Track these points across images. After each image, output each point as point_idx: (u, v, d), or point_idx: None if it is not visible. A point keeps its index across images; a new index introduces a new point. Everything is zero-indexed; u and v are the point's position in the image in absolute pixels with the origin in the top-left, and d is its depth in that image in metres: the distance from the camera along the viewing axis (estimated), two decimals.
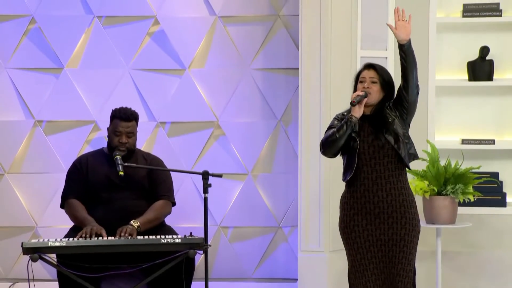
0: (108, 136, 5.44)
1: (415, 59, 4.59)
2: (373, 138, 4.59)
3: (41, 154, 6.59)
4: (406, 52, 4.56)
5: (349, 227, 4.61)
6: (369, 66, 4.68)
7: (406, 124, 4.66)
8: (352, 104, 4.54)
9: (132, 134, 5.35)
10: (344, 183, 4.72)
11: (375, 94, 4.62)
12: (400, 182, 4.59)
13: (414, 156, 4.64)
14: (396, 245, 4.53)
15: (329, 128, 4.67)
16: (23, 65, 6.59)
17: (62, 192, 5.42)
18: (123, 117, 5.34)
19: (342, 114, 4.69)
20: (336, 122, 4.66)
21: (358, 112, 4.57)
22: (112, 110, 5.45)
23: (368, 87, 4.61)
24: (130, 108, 5.45)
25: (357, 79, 4.69)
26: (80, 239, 4.98)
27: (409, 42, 4.56)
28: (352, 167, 4.58)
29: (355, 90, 4.67)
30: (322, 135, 6.03)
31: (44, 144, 6.59)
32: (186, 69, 6.58)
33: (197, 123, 6.61)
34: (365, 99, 4.58)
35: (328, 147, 4.61)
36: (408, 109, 4.63)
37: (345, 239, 4.65)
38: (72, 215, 5.32)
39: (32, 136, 6.61)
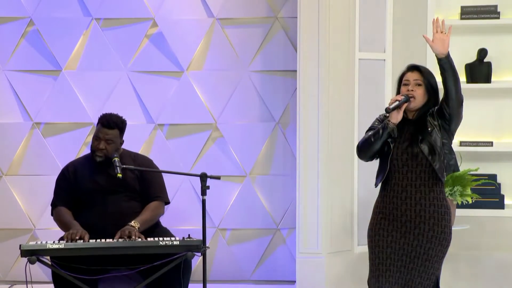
0: None
1: (456, 72, 4.28)
2: (408, 145, 4.36)
3: (39, 156, 6.58)
4: (444, 66, 4.25)
5: (374, 230, 4.43)
6: (413, 68, 4.41)
7: (449, 134, 4.41)
8: (387, 111, 4.30)
9: (112, 141, 5.30)
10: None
11: (419, 98, 4.36)
12: (434, 193, 4.35)
13: (454, 168, 4.44)
14: (418, 257, 4.33)
15: (369, 129, 4.46)
16: (21, 67, 6.59)
17: (51, 201, 5.39)
18: (104, 124, 5.31)
19: (384, 115, 4.44)
20: (376, 123, 4.45)
21: (395, 117, 4.32)
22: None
23: (412, 90, 4.35)
24: (121, 117, 5.38)
25: (400, 81, 4.43)
26: (69, 242, 4.95)
27: (447, 55, 4.24)
28: (384, 172, 4.39)
29: (398, 93, 4.42)
30: (320, 137, 6.09)
31: (42, 146, 6.59)
32: (184, 71, 6.58)
33: (195, 125, 6.60)
34: (405, 104, 4.32)
35: (363, 150, 4.43)
36: (450, 120, 4.36)
37: (369, 242, 4.47)
38: (59, 221, 5.30)
39: (30, 138, 6.60)
